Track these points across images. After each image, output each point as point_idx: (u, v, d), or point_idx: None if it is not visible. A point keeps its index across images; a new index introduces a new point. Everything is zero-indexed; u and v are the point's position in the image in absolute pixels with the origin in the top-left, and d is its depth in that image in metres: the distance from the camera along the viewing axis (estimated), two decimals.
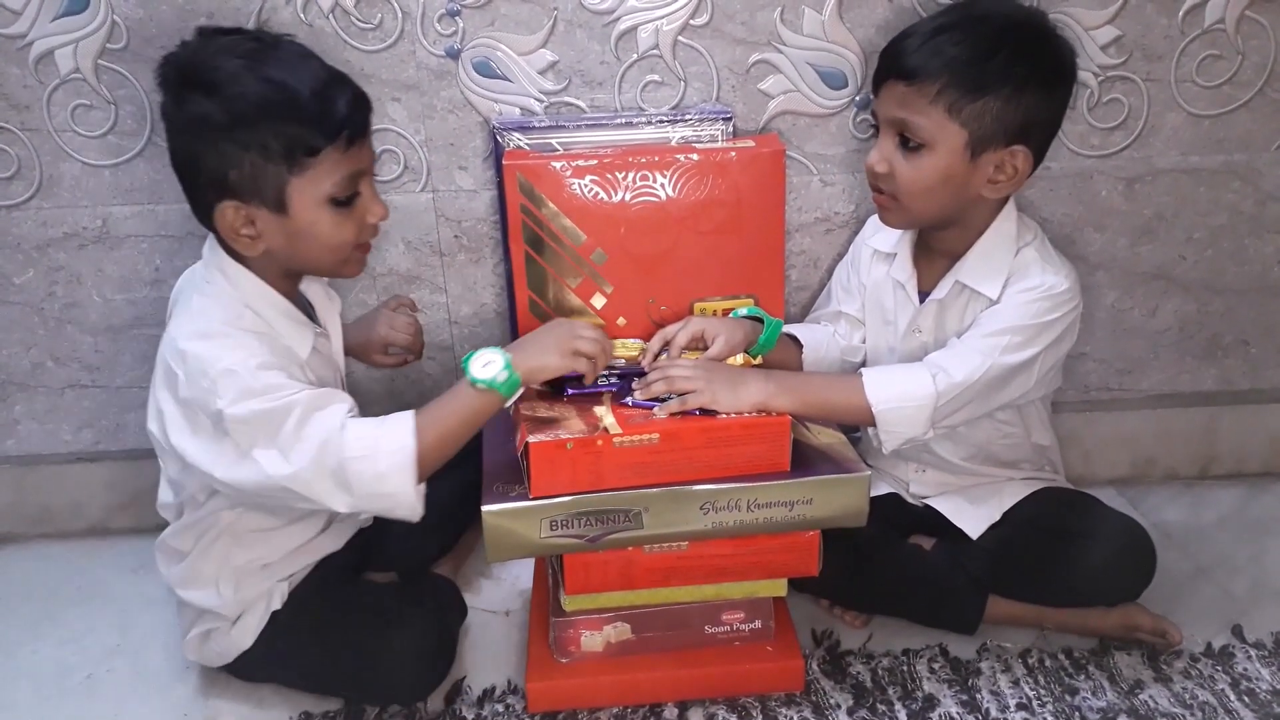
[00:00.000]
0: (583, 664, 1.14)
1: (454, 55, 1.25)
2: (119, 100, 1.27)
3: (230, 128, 0.96)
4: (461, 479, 1.12)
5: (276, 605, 1.14)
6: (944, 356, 1.11)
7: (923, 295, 1.19)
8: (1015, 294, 1.12)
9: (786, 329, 1.25)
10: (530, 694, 1.13)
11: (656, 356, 1.14)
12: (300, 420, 0.96)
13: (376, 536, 1.25)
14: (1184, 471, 1.51)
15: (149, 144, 1.29)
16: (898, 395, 1.09)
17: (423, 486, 1.01)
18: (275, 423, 0.96)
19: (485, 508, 1.01)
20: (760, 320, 1.19)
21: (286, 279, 1.08)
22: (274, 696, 1.17)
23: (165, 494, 1.14)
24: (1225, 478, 1.52)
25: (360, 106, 1.02)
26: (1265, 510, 1.45)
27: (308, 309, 1.13)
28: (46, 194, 1.31)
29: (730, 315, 1.20)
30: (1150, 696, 1.11)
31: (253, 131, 0.96)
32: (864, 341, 1.28)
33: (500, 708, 1.14)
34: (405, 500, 0.99)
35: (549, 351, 1.03)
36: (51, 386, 1.42)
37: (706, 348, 1.13)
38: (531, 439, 0.99)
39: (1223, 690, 1.12)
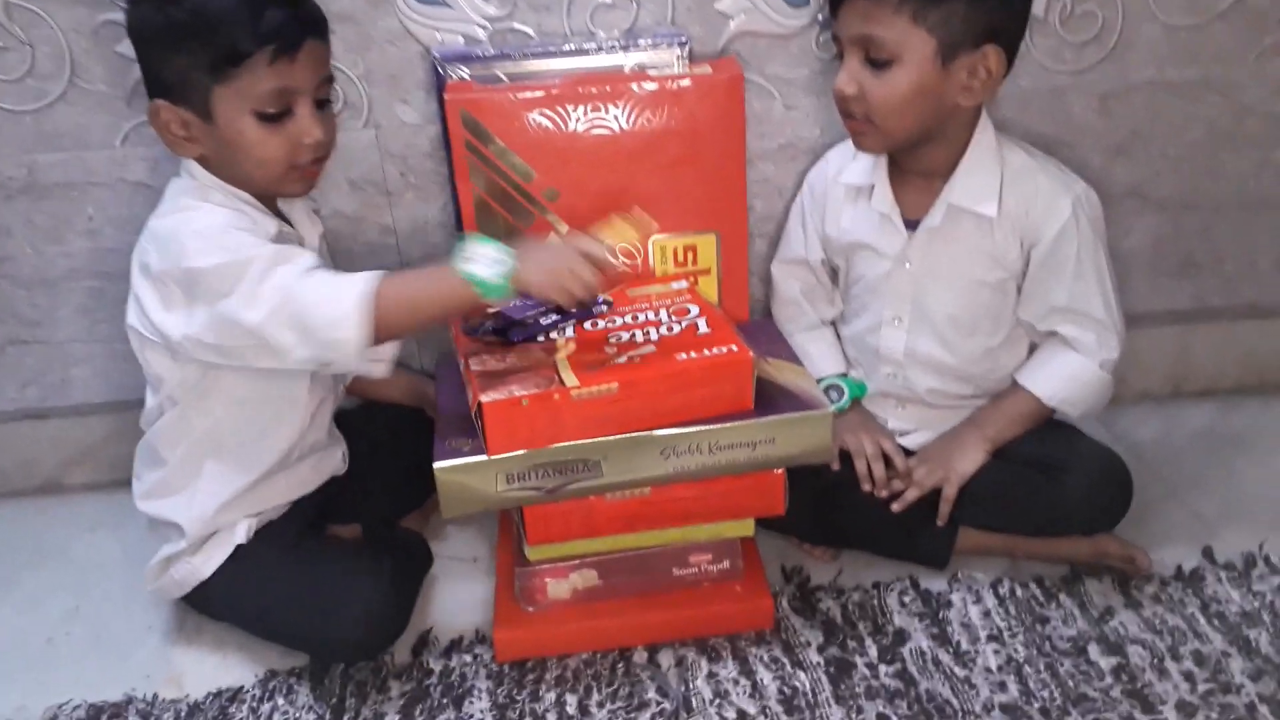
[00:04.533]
0: (550, 612, 1.13)
1: None
2: (35, 41, 1.19)
3: (163, 32, 0.98)
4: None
5: (241, 539, 1.12)
6: (1076, 330, 1.17)
7: (907, 223, 1.16)
8: (1058, 225, 1.13)
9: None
10: (498, 643, 1.12)
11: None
12: (264, 269, 0.97)
13: (343, 489, 1.23)
14: (1157, 390, 1.50)
15: (71, 86, 1.21)
16: (1063, 384, 1.18)
17: (388, 348, 0.99)
18: (239, 270, 0.97)
19: (437, 464, 0.98)
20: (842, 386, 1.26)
21: (253, 191, 1.07)
22: (238, 654, 1.16)
23: (148, 403, 1.15)
24: (1198, 395, 1.51)
25: (295, 20, 1.00)
26: (1236, 428, 1.44)
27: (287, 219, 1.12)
28: None
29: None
30: (1120, 623, 1.11)
31: (182, 37, 0.97)
32: (835, 284, 1.26)
33: (468, 658, 1.13)
34: (354, 345, 0.94)
35: (543, 275, 0.96)
36: None
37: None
38: (484, 398, 0.95)
39: (1192, 614, 1.12)
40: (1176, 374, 1.50)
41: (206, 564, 1.13)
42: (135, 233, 1.26)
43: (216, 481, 1.12)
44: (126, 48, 1.17)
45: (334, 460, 1.22)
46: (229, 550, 1.13)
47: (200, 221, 1.01)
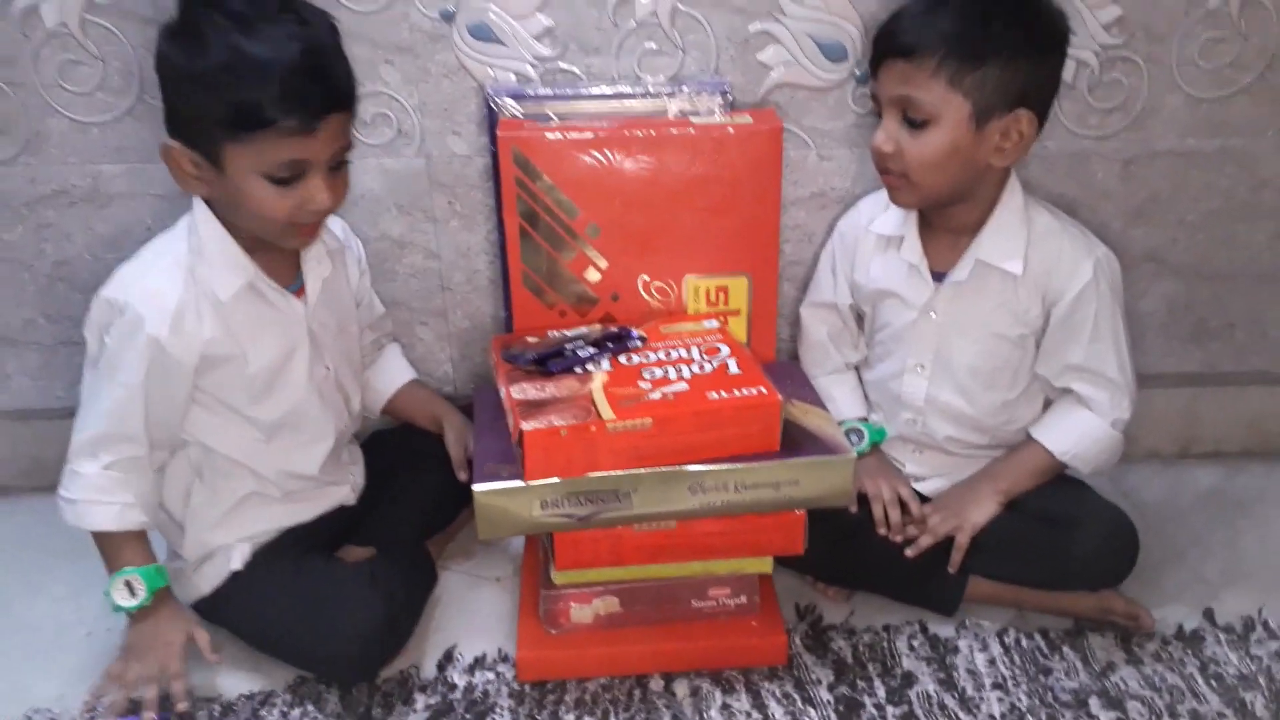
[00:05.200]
0: (572, 635, 1.17)
1: (448, 18, 1.22)
2: (106, 56, 1.24)
3: (187, 79, 0.99)
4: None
5: (236, 565, 1.17)
6: (1090, 388, 1.21)
7: (934, 275, 1.21)
8: (1079, 286, 1.17)
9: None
10: (520, 663, 1.16)
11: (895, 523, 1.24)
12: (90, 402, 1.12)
13: (362, 513, 1.28)
14: (1165, 451, 1.53)
15: (138, 102, 1.26)
16: (1075, 440, 1.23)
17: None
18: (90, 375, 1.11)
19: (477, 487, 1.02)
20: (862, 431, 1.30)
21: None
22: (269, 660, 1.18)
23: None
24: (1204, 457, 1.54)
25: (320, 100, 1.00)
26: (1241, 491, 1.47)
27: (297, 259, 1.15)
28: (34, 151, 1.29)
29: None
30: (1121, 678, 1.15)
31: (201, 90, 0.98)
32: (860, 329, 1.31)
33: (491, 675, 1.17)
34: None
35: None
36: (43, 343, 1.42)
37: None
38: (525, 426, 0.99)
39: (1191, 674, 1.15)
40: (1185, 435, 1.54)
41: (204, 582, 1.18)
42: None
43: (199, 508, 1.16)
44: None
45: (339, 493, 1.25)
46: (224, 574, 1.17)
47: (123, 326, 1.07)
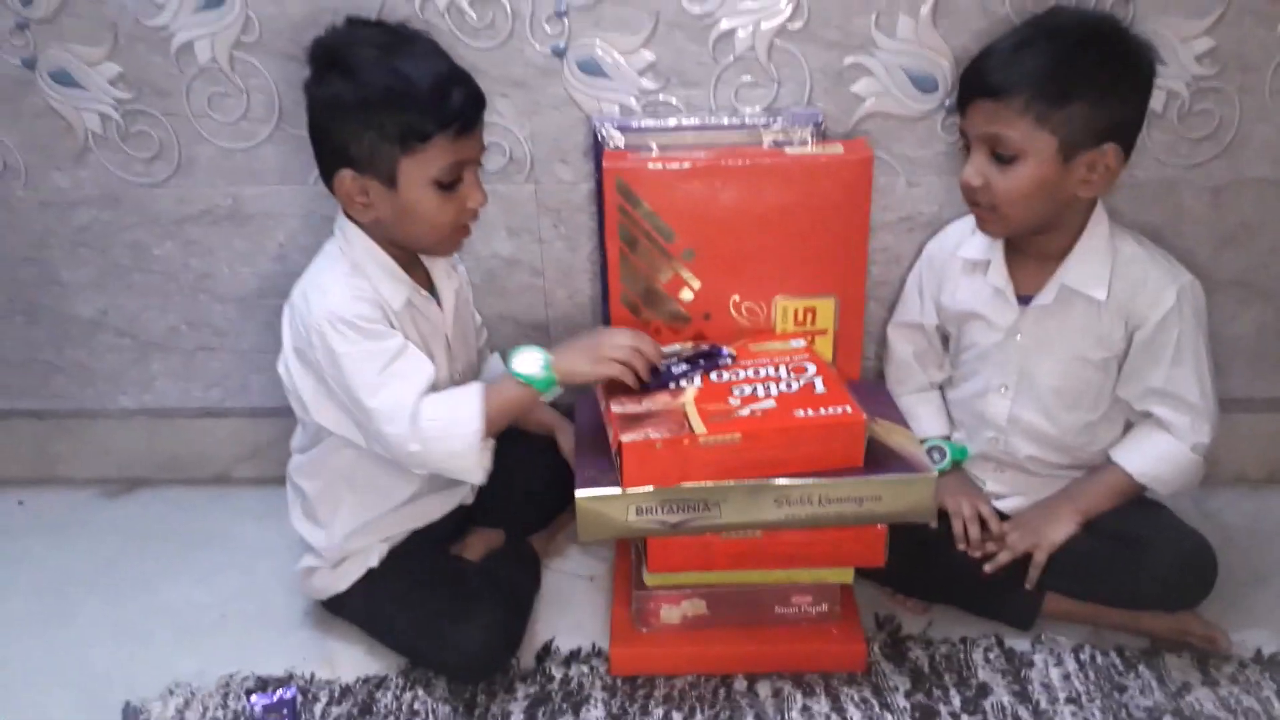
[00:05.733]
0: (661, 634, 1.25)
1: (559, 54, 1.31)
2: (251, 89, 1.37)
3: (356, 108, 1.09)
4: (560, 463, 1.32)
5: (373, 563, 1.27)
6: (1170, 412, 1.24)
7: (1020, 299, 1.25)
8: (1162, 312, 1.20)
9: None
10: (614, 658, 1.24)
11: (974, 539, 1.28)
12: (375, 379, 1.12)
13: (476, 510, 1.37)
14: (1252, 475, 1.53)
15: (277, 129, 1.39)
16: (1154, 463, 1.25)
17: (487, 452, 1.15)
18: (354, 380, 1.12)
19: (579, 493, 1.10)
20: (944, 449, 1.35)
21: (398, 247, 1.19)
22: (382, 646, 1.29)
23: (298, 434, 1.30)
24: None
25: (472, 103, 1.13)
26: None
27: (427, 276, 1.25)
28: (184, 174, 1.43)
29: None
30: (1196, 699, 1.17)
31: (374, 114, 1.08)
32: (945, 349, 1.36)
33: (585, 669, 1.25)
34: (475, 470, 1.15)
35: (580, 358, 1.15)
36: (184, 348, 1.56)
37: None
38: (624, 438, 1.07)
39: (1268, 697, 1.17)
40: (1273, 461, 1.54)
41: (341, 580, 1.28)
42: None
43: (348, 514, 1.26)
44: None
45: (461, 493, 1.35)
46: (362, 571, 1.27)
47: (324, 307, 1.12)
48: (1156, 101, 1.24)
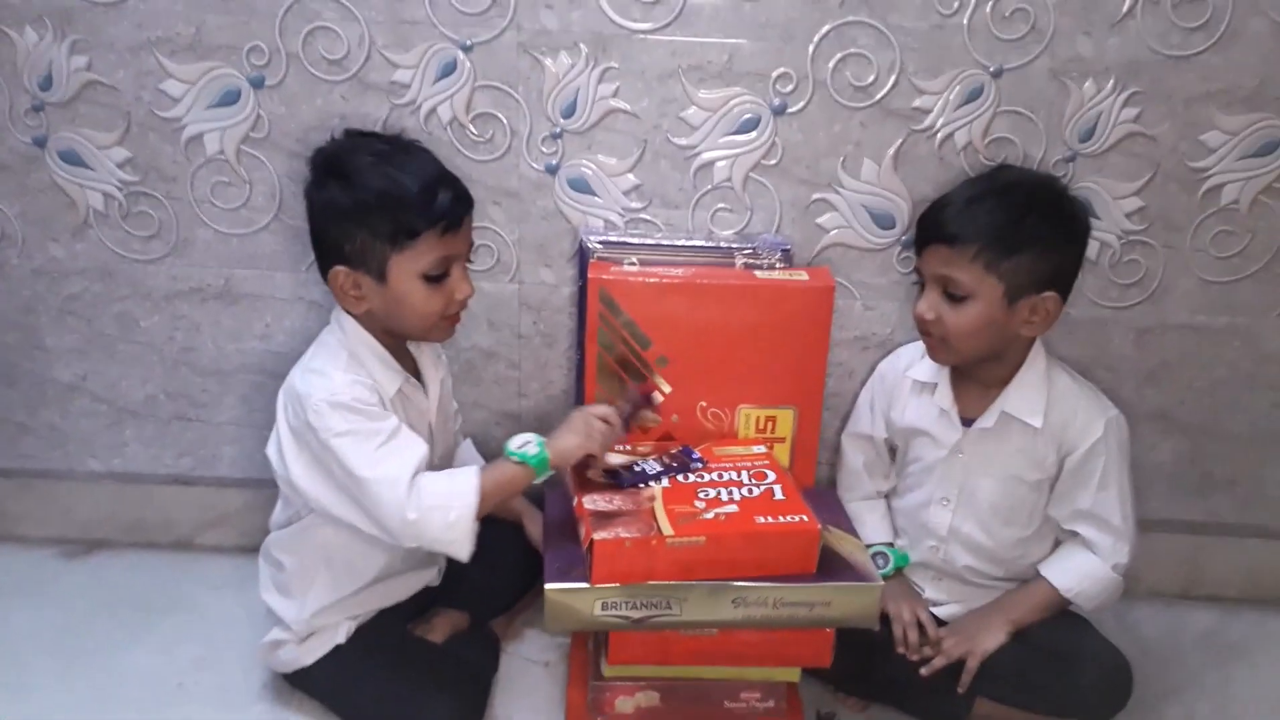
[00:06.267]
0: None
1: (552, 171, 1.41)
2: (254, 181, 1.44)
3: (351, 210, 1.19)
4: (526, 549, 1.39)
5: (341, 640, 1.31)
6: (1095, 533, 1.34)
7: (963, 420, 1.35)
8: (1091, 441, 1.31)
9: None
10: None
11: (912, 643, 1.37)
12: (372, 456, 1.17)
13: (441, 592, 1.42)
14: (1167, 591, 1.65)
15: (275, 219, 1.46)
16: (1078, 579, 1.35)
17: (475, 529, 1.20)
18: (350, 458, 1.17)
19: (548, 585, 1.17)
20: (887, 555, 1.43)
21: (391, 337, 1.27)
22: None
23: (278, 511, 1.34)
24: (1204, 600, 1.65)
25: (459, 204, 1.22)
26: (1236, 636, 1.59)
27: (415, 366, 1.32)
28: (180, 253, 1.48)
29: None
30: None
31: (367, 215, 1.18)
32: (892, 460, 1.45)
33: None
34: (465, 548, 1.19)
35: (568, 436, 1.24)
36: (160, 417, 1.60)
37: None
38: (597, 536, 1.15)
39: None
40: (1186, 579, 1.66)
41: (308, 655, 1.31)
42: (303, 341, 1.49)
43: (321, 590, 1.30)
44: None
45: (429, 575, 1.41)
46: (329, 648, 1.31)
47: (323, 391, 1.18)
48: (1091, 250, 1.38)
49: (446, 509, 1.17)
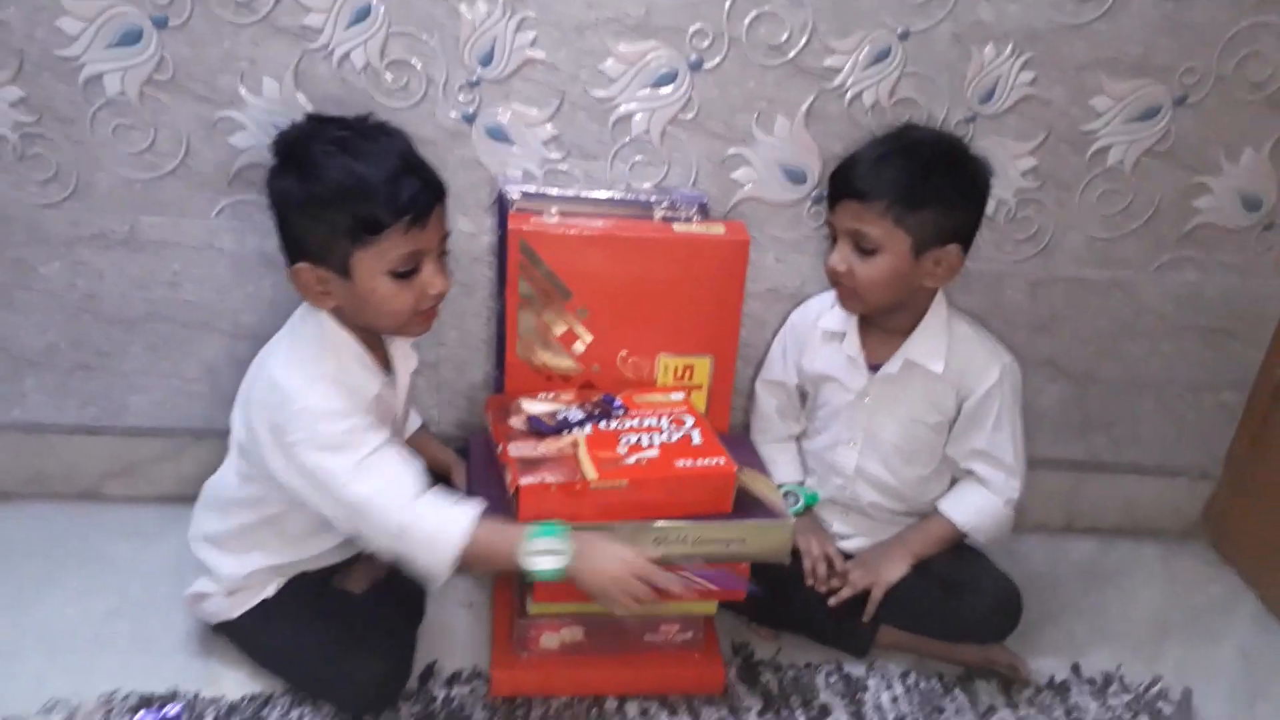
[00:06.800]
0: (540, 659, 1.35)
1: (469, 120, 1.41)
2: (159, 125, 1.39)
3: (308, 203, 1.13)
4: None
5: (269, 594, 1.30)
6: (989, 470, 1.43)
7: (870, 366, 1.42)
8: (987, 385, 1.40)
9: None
10: (494, 680, 1.33)
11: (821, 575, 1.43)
12: (356, 473, 1.14)
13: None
14: (1050, 525, 1.77)
15: (182, 165, 1.42)
16: (974, 514, 1.44)
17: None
18: (335, 473, 1.14)
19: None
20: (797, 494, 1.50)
21: (365, 330, 1.23)
22: (269, 672, 1.33)
23: (232, 473, 1.28)
24: (1083, 532, 1.79)
25: (425, 195, 1.15)
26: (1111, 564, 1.72)
27: (386, 357, 1.29)
28: (81, 198, 1.43)
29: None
30: (1000, 719, 1.37)
31: (325, 209, 1.12)
32: (803, 405, 1.53)
33: (467, 690, 1.34)
34: (438, 581, 1.17)
35: (601, 588, 1.16)
36: (62, 366, 1.55)
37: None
38: (523, 481, 1.18)
39: (1058, 718, 1.38)
40: (1068, 513, 1.79)
41: (235, 608, 1.31)
42: (214, 290, 1.49)
43: (261, 556, 1.29)
44: (238, 139, 1.40)
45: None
46: (256, 601, 1.30)
47: (307, 399, 1.14)
48: (989, 207, 1.45)
49: (430, 548, 1.14)
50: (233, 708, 1.28)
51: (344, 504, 1.15)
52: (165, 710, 1.24)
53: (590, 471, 1.21)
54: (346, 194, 1.11)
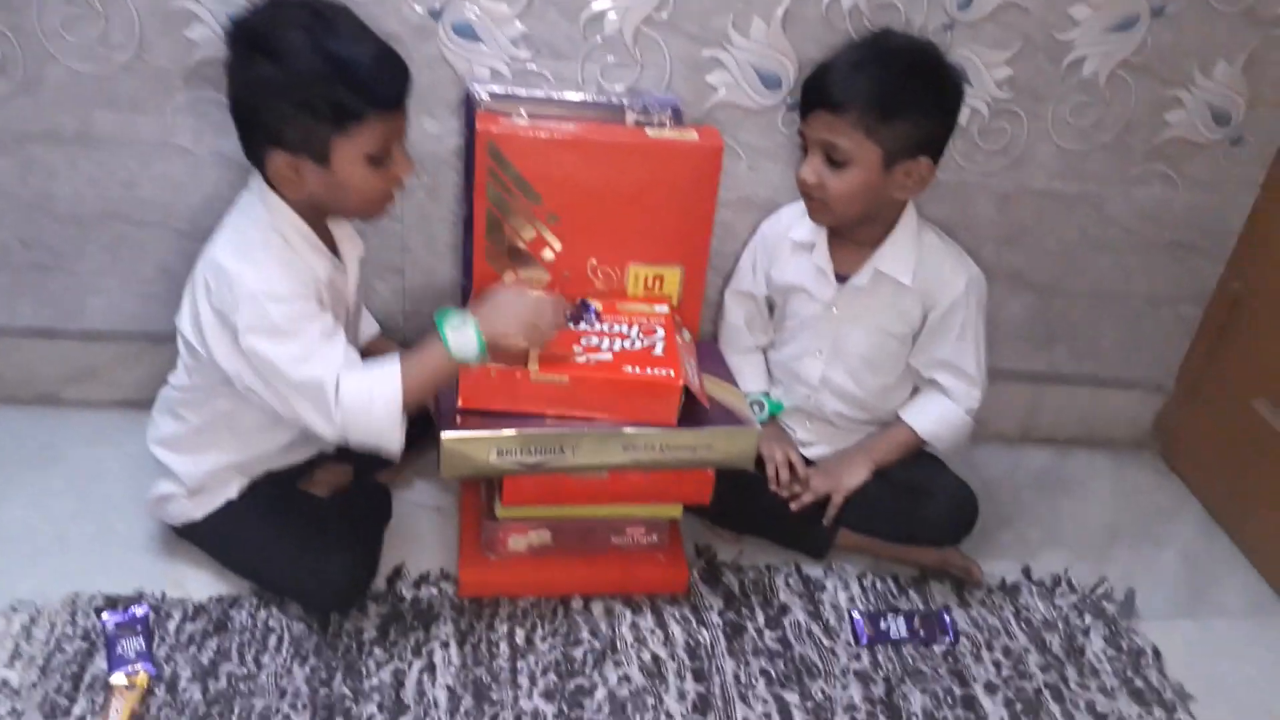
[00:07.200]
0: (508, 561, 1.37)
1: (435, 15, 1.36)
2: (110, 14, 1.33)
3: (287, 90, 1.10)
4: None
5: (232, 495, 1.31)
6: (951, 380, 1.46)
7: (838, 277, 1.42)
8: (953, 296, 1.41)
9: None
10: (462, 581, 1.36)
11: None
12: (301, 357, 1.13)
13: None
14: (1009, 434, 1.81)
15: (137, 58, 1.36)
16: (935, 422, 1.47)
17: (404, 424, 1.17)
18: (279, 359, 1.13)
19: (444, 434, 1.20)
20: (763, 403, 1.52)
21: (316, 214, 1.22)
22: (234, 573, 1.34)
23: (182, 370, 1.29)
24: (1040, 441, 1.83)
25: (403, 80, 1.16)
26: (1066, 473, 1.78)
27: (334, 244, 1.27)
28: (30, 91, 1.38)
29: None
30: (952, 619, 1.42)
31: (307, 96, 1.10)
32: (771, 316, 1.53)
33: (435, 591, 1.36)
34: (394, 446, 1.17)
35: (513, 327, 1.18)
36: (15, 265, 1.51)
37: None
38: None
39: (1007, 617, 1.44)
40: (1026, 423, 1.82)
41: (198, 509, 1.31)
42: (171, 189, 1.45)
43: (217, 454, 1.29)
44: (195, 32, 1.35)
45: (323, 442, 1.36)
46: (220, 503, 1.31)
47: (254, 283, 1.13)
48: (962, 117, 1.43)
49: (369, 413, 1.14)
50: (199, 609, 1.29)
51: (286, 392, 1.15)
52: (131, 611, 1.25)
53: (533, 365, 1.21)
54: (328, 81, 1.09)
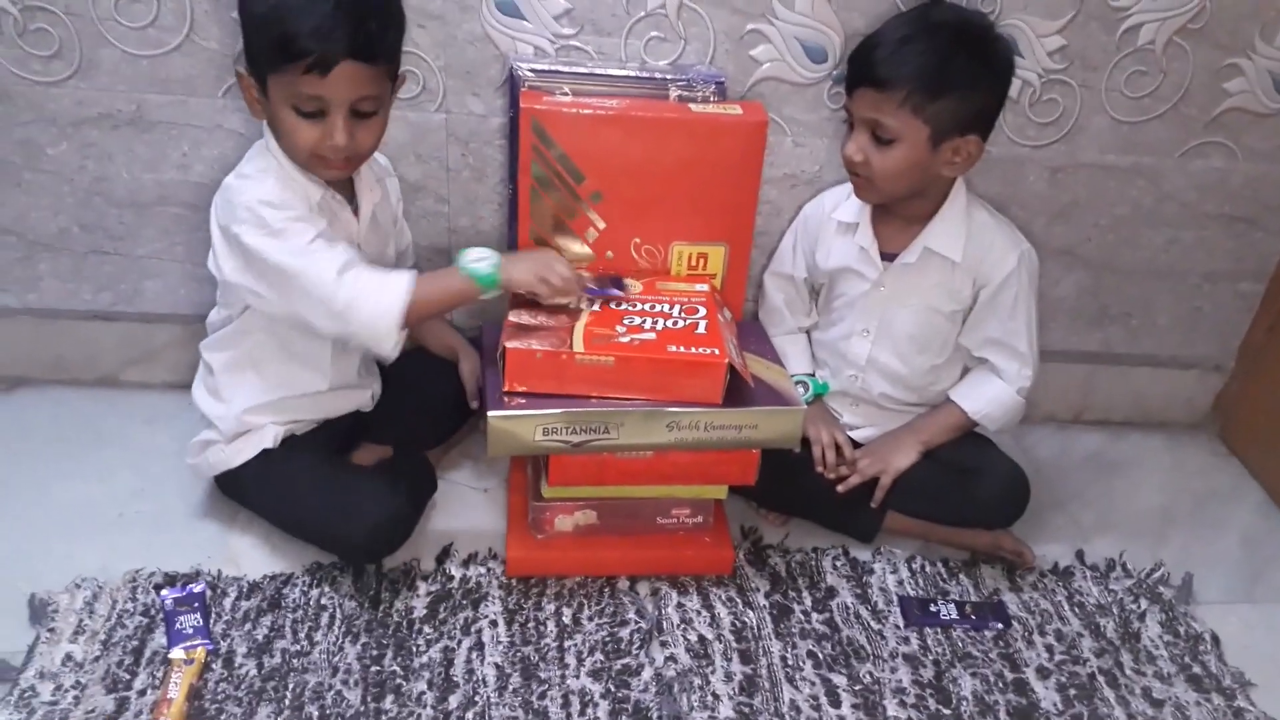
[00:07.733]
0: (555, 540, 1.38)
1: None
2: None
3: (249, 14, 1.17)
4: (459, 386, 1.43)
5: (269, 444, 1.34)
6: (1002, 359, 1.43)
7: (884, 256, 1.41)
8: (1004, 273, 1.38)
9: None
10: (510, 560, 1.36)
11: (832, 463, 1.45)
12: (298, 250, 1.18)
13: (375, 420, 1.45)
14: (1061, 416, 1.78)
15: (187, 40, 1.38)
16: (986, 403, 1.45)
17: (403, 334, 1.20)
18: (276, 252, 1.18)
19: (491, 413, 1.21)
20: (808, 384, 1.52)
21: None
22: (287, 544, 1.37)
23: (214, 313, 1.37)
24: (1093, 423, 1.80)
25: (338, 46, 1.11)
26: (1119, 455, 1.74)
27: (351, 185, 1.31)
28: (85, 75, 1.40)
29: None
30: (1004, 602, 1.40)
31: (258, 24, 1.16)
32: (813, 299, 1.53)
33: (483, 570, 1.37)
34: (389, 342, 1.20)
35: (526, 270, 1.24)
36: (75, 250, 1.55)
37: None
38: (508, 345, 1.20)
39: (1060, 601, 1.41)
40: (1079, 404, 1.79)
41: (236, 456, 1.34)
42: (224, 172, 1.45)
43: (249, 391, 1.33)
44: None
45: (361, 397, 1.43)
46: (257, 450, 1.34)
47: (253, 194, 1.19)
48: (1013, 89, 1.40)
49: (376, 299, 1.18)
50: (254, 586, 1.32)
51: (283, 284, 1.19)
52: (189, 588, 1.28)
53: (578, 344, 1.21)
54: (272, 17, 1.13)
